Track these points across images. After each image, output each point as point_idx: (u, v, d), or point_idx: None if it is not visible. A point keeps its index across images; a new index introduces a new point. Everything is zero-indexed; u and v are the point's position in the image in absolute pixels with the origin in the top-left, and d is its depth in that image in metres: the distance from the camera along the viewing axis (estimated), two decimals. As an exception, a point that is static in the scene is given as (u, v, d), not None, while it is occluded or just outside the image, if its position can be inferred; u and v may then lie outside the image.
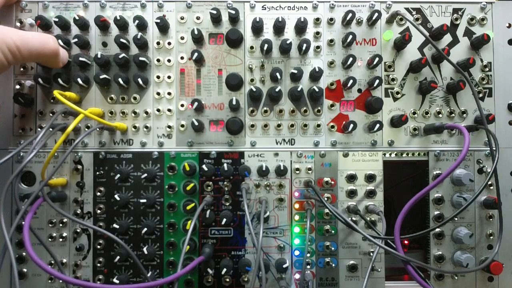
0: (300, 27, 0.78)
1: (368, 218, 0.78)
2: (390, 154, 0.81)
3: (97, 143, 0.79)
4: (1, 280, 0.76)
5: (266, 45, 0.76)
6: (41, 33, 0.72)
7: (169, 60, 0.79)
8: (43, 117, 0.79)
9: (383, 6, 0.81)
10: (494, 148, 0.71)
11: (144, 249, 0.75)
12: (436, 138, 0.81)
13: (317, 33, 0.80)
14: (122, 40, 0.76)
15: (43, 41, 0.68)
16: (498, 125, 0.80)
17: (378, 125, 0.76)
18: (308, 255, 0.78)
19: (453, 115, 0.80)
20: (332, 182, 0.79)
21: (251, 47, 0.79)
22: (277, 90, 0.76)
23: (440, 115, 0.80)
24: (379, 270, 0.78)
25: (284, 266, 0.75)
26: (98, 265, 0.78)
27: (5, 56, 0.64)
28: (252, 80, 0.80)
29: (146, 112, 0.79)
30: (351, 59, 0.77)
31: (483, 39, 0.77)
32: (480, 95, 0.80)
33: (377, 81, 0.76)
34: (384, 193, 0.80)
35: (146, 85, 0.79)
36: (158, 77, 0.79)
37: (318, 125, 0.79)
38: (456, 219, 0.79)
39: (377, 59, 0.77)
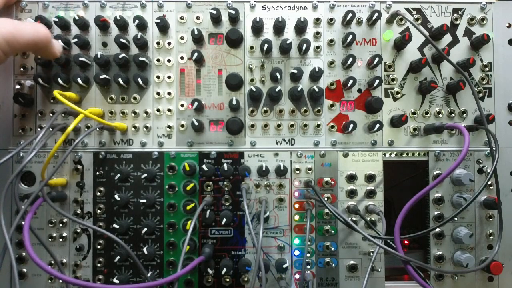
0: (300, 27, 0.78)
1: (368, 218, 0.78)
2: (390, 154, 0.81)
3: (97, 143, 0.79)
4: (1, 280, 0.76)
5: (266, 45, 0.76)
6: (31, 22, 0.73)
7: (169, 60, 0.79)
8: (43, 117, 0.79)
9: (383, 6, 0.81)
10: (494, 148, 0.71)
11: (144, 249, 0.75)
12: (436, 138, 0.81)
13: (317, 33, 0.80)
14: (122, 40, 0.76)
15: (35, 27, 0.69)
16: (498, 125, 0.80)
17: (378, 125, 0.76)
18: (308, 255, 0.78)
19: (453, 115, 0.80)
20: (332, 182, 0.79)
21: (251, 47, 0.79)
22: (277, 90, 0.76)
23: (440, 115, 0.80)
24: (379, 270, 0.78)
25: (284, 266, 0.75)
26: (98, 265, 0.78)
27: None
28: (252, 80, 0.80)
29: (146, 112, 0.79)
30: (351, 59, 0.77)
31: (483, 39, 0.77)
32: (480, 95, 0.80)
33: (377, 81, 0.76)
34: (384, 193, 0.80)
35: (146, 85, 0.79)
36: (158, 77, 0.79)
37: (318, 125, 0.79)
38: (456, 219, 0.79)
39: (377, 59, 0.77)
